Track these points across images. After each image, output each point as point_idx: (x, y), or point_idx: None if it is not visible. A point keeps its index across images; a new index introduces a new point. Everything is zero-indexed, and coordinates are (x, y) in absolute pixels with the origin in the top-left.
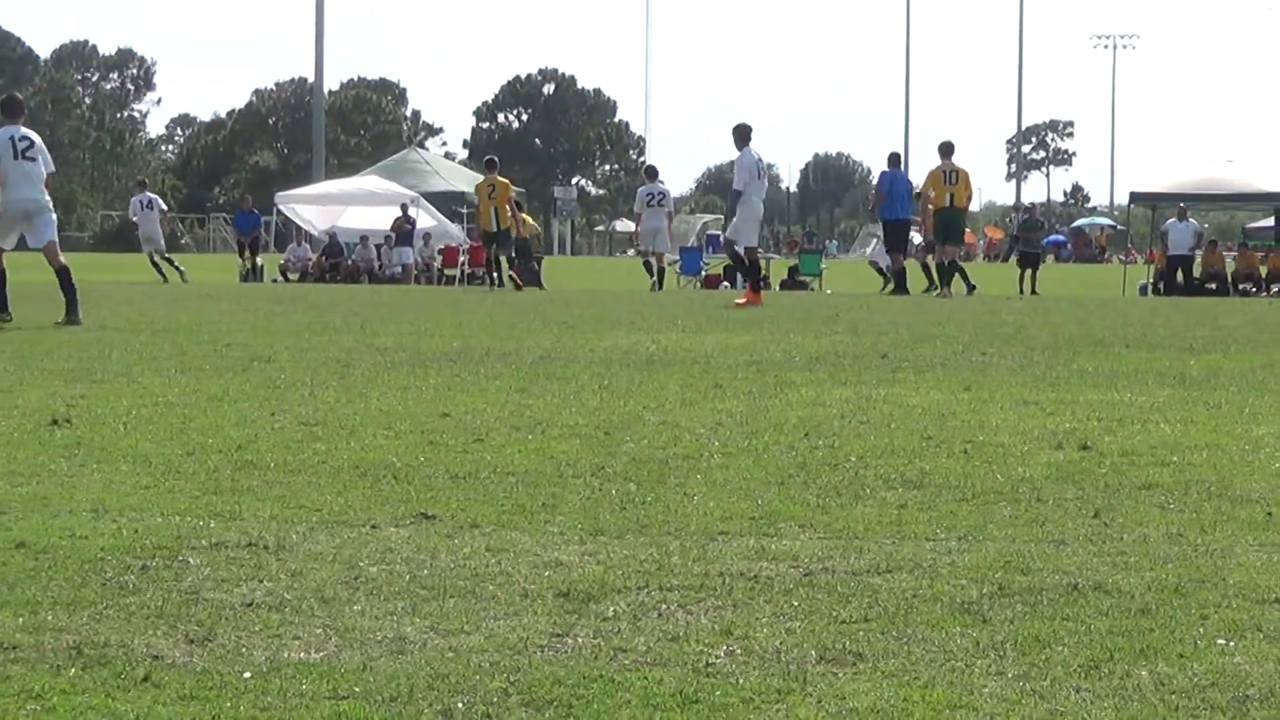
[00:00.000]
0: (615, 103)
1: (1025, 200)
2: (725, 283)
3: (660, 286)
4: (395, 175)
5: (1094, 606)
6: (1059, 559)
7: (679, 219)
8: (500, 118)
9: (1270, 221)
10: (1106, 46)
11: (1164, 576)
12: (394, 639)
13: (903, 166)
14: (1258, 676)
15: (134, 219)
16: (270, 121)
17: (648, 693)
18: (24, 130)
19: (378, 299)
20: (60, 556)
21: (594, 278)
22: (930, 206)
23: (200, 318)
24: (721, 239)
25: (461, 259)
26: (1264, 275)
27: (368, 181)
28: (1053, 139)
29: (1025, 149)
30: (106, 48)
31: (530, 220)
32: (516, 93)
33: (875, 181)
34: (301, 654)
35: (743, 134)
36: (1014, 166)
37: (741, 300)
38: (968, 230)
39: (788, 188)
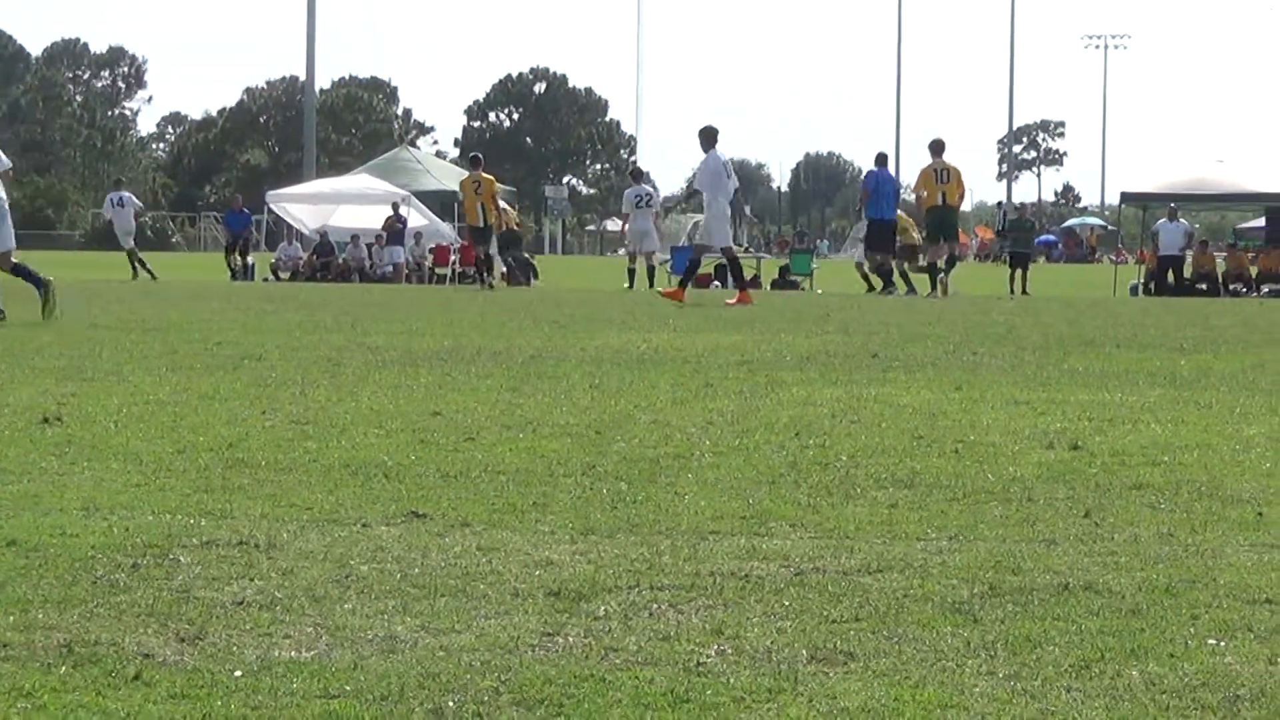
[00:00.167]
0: (606, 102)
1: (1016, 200)
2: (716, 282)
3: (652, 285)
4: (386, 174)
5: (1085, 606)
6: (1050, 559)
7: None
8: (491, 116)
9: (1261, 222)
10: (1098, 46)
11: (1155, 576)
12: (385, 638)
13: (893, 166)
14: (1248, 676)
15: (107, 216)
16: (261, 120)
17: (639, 692)
18: None
19: (369, 298)
20: (51, 554)
21: (585, 277)
22: (923, 206)
23: (191, 316)
24: (692, 244)
25: (453, 258)
26: (1254, 275)
27: (359, 180)
28: (1044, 139)
29: (1016, 149)
30: (98, 46)
31: (512, 212)
32: (508, 91)
33: (862, 181)
34: (292, 652)
35: (709, 136)
36: (1005, 166)
37: (733, 301)
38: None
39: (779, 187)
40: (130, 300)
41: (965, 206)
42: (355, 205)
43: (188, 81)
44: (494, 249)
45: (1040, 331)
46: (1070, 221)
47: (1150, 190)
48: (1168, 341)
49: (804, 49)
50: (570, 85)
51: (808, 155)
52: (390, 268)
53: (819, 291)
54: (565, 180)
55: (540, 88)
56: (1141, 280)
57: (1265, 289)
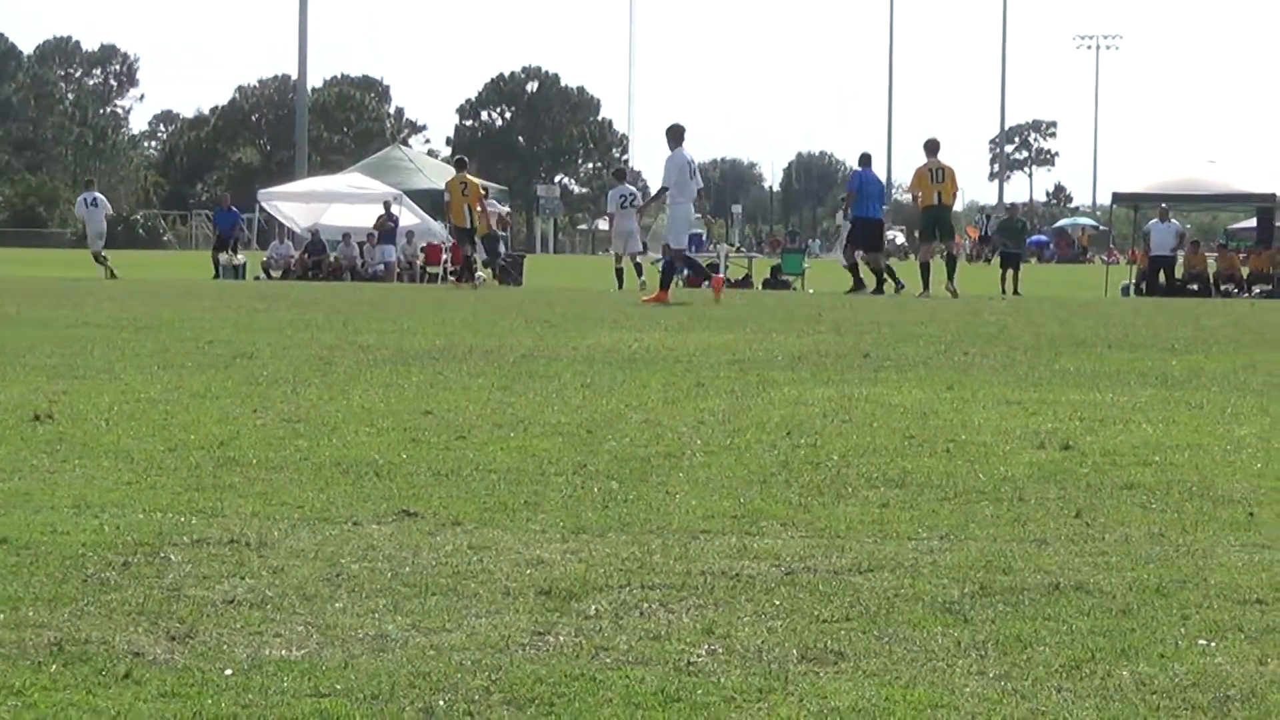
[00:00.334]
0: (598, 101)
1: (1008, 200)
2: (705, 281)
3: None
4: (378, 173)
5: (1075, 606)
6: (1041, 559)
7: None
8: (483, 115)
9: (1252, 222)
10: (1090, 47)
11: (1146, 576)
12: (375, 636)
13: (888, 165)
14: (1239, 677)
15: (80, 215)
16: (253, 118)
17: (629, 691)
18: None
19: (360, 296)
20: (42, 553)
21: (577, 276)
22: (918, 205)
23: (182, 314)
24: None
25: (444, 257)
26: (1245, 276)
27: (351, 179)
28: (1035, 139)
29: (1008, 149)
30: (90, 44)
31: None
32: (500, 91)
33: (847, 181)
34: (283, 651)
35: (675, 134)
36: (997, 166)
37: (650, 297)
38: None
39: (770, 187)
40: (121, 298)
41: (956, 206)
42: (347, 204)
43: (180, 80)
44: (478, 250)
45: (1032, 331)
46: (1062, 222)
47: (1142, 190)
48: (1159, 342)
49: (796, 48)
50: (562, 84)
51: (799, 155)
52: (382, 266)
53: (811, 291)
54: (557, 179)
55: (532, 87)
56: (1133, 280)
57: (1256, 289)
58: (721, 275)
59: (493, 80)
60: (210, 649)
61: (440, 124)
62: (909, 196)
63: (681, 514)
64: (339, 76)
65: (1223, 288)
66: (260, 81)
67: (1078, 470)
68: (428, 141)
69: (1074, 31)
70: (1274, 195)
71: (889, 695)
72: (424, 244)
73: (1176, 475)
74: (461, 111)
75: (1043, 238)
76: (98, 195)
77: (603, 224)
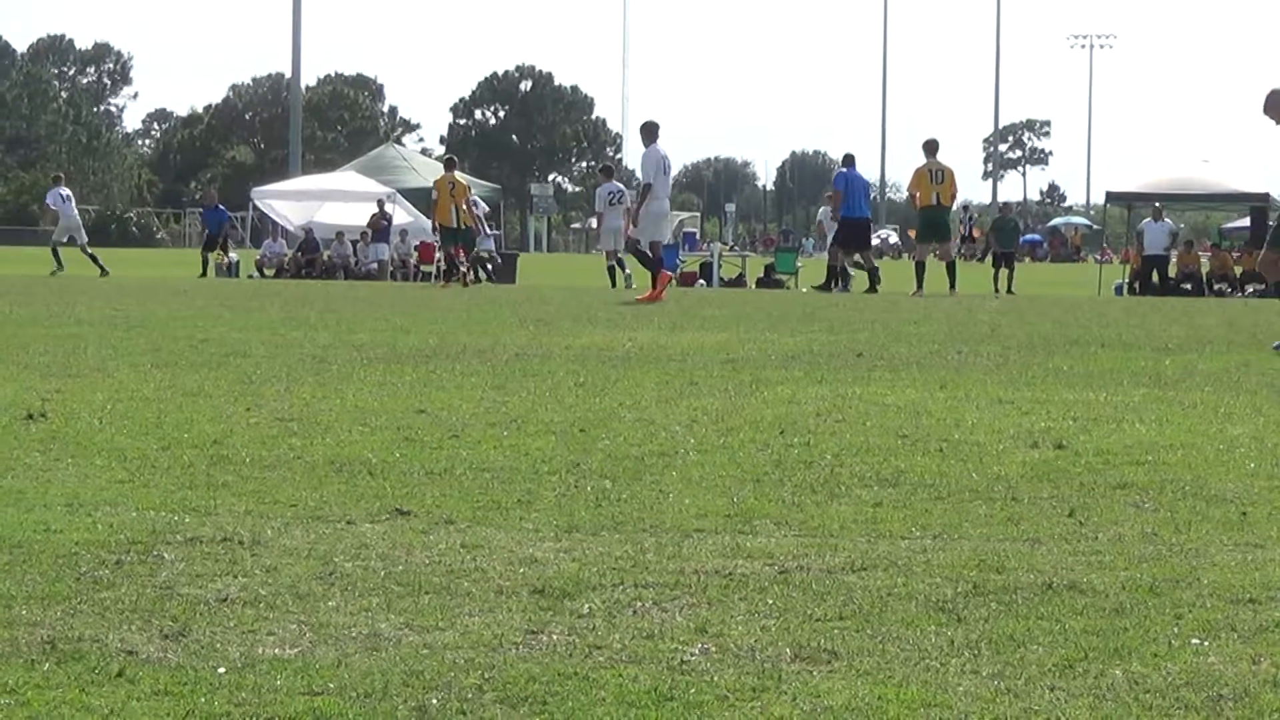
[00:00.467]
0: (592, 100)
1: (1001, 199)
2: (701, 280)
3: (629, 284)
4: (372, 171)
5: (1069, 606)
6: (1034, 558)
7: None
8: (477, 114)
9: (1245, 222)
10: (1083, 46)
11: (1139, 576)
12: (369, 635)
13: (882, 165)
14: (1231, 676)
15: (52, 207)
16: (247, 117)
17: (622, 690)
18: None
19: (354, 295)
20: (35, 551)
21: (570, 275)
22: (916, 205)
23: (176, 312)
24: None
25: (438, 255)
26: (1238, 275)
27: (344, 178)
28: (1029, 138)
29: (1002, 148)
30: (83, 42)
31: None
32: (493, 89)
33: (832, 182)
34: (276, 650)
35: (649, 131)
36: (990, 165)
37: (643, 296)
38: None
39: (764, 185)
40: (114, 296)
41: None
42: (340, 202)
43: (173, 78)
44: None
45: (1025, 331)
46: (1055, 221)
47: (1135, 190)
48: (1152, 341)
49: (790, 47)
50: (556, 83)
51: (793, 153)
52: (375, 265)
53: (804, 290)
54: (551, 178)
55: (526, 85)
56: (1126, 280)
57: (1249, 289)
58: (670, 274)
59: (486, 79)
60: (203, 647)
61: (434, 123)
62: (904, 195)
63: (675, 513)
64: (333, 75)
65: (1216, 287)
66: (254, 80)
67: (1071, 470)
68: (421, 140)
69: (1068, 31)
70: (1267, 195)
71: (882, 694)
72: (417, 242)
73: (1170, 475)
74: (455, 110)
75: (1036, 237)
76: (69, 191)
77: (595, 222)
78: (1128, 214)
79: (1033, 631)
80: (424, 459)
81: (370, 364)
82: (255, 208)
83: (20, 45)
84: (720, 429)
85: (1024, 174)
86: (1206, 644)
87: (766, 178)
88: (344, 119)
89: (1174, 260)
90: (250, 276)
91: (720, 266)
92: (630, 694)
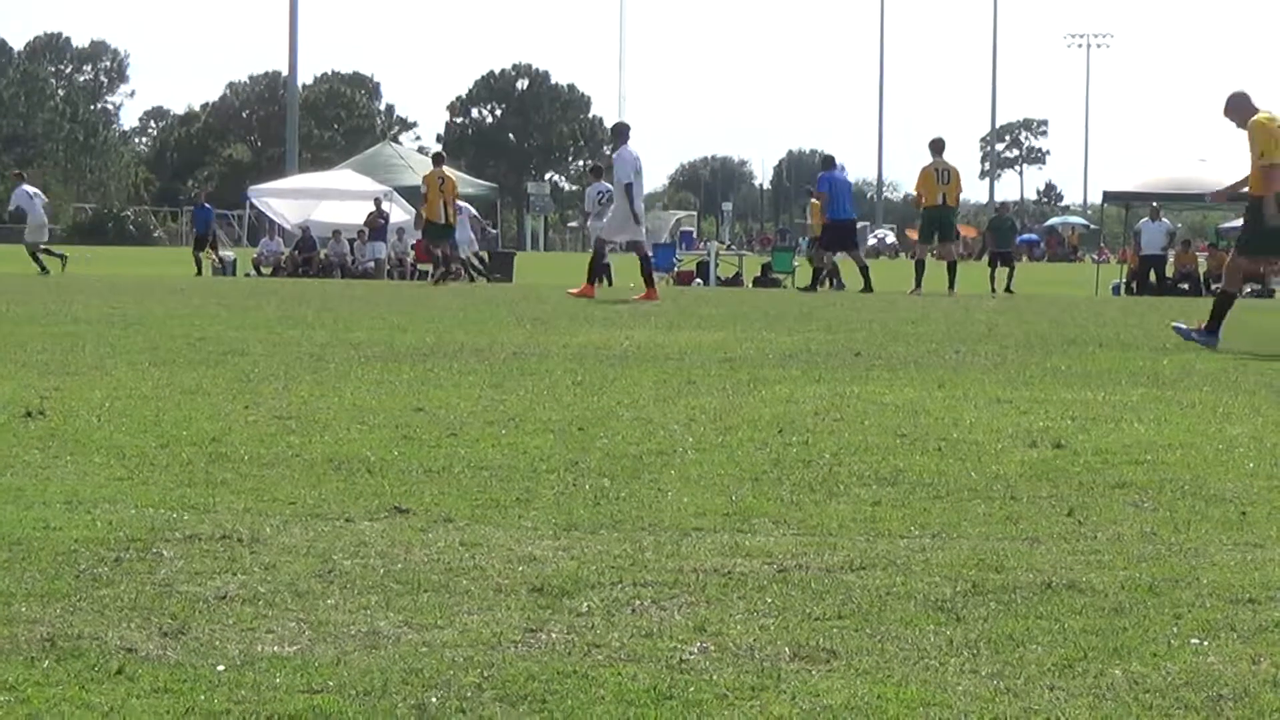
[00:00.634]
0: (589, 99)
1: (998, 199)
2: (698, 280)
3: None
4: (369, 170)
5: (1068, 605)
6: (1033, 557)
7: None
8: (474, 113)
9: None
10: (1080, 45)
11: (1138, 575)
12: (368, 633)
13: (879, 164)
14: (1231, 676)
15: (13, 208)
16: (244, 115)
17: (621, 688)
18: None
19: (350, 293)
20: (34, 548)
21: (567, 274)
22: (924, 205)
23: (173, 311)
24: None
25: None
26: None
27: (341, 176)
28: (1026, 137)
29: (999, 147)
30: (80, 40)
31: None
32: (490, 88)
33: (816, 186)
34: (275, 647)
35: (620, 132)
36: (988, 165)
37: (575, 290)
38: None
39: (761, 185)
40: (111, 295)
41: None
42: (338, 201)
43: (170, 76)
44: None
45: (1022, 330)
46: (1052, 220)
47: (1132, 189)
48: (1150, 341)
49: (787, 46)
50: (553, 82)
51: (790, 152)
52: (372, 263)
53: (801, 289)
54: (547, 177)
55: (523, 84)
56: (1124, 280)
57: (1247, 289)
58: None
59: (483, 78)
60: (203, 645)
61: (431, 121)
62: (902, 194)
63: (673, 511)
64: (329, 73)
65: (1213, 287)
66: (251, 78)
67: (1070, 469)
68: (418, 139)
69: (1065, 30)
70: (1264, 195)
71: (881, 693)
72: (414, 241)
73: (1169, 474)
74: (452, 109)
75: (1032, 236)
76: (38, 189)
77: (587, 222)
78: (1125, 213)
79: (1032, 631)
80: (422, 457)
81: (368, 362)
82: (252, 206)
83: (17, 43)
84: (718, 428)
85: (1021, 173)
86: (1206, 644)
87: (763, 177)
88: (341, 117)
89: (1171, 260)
90: (247, 275)
91: (717, 265)
92: (629, 692)
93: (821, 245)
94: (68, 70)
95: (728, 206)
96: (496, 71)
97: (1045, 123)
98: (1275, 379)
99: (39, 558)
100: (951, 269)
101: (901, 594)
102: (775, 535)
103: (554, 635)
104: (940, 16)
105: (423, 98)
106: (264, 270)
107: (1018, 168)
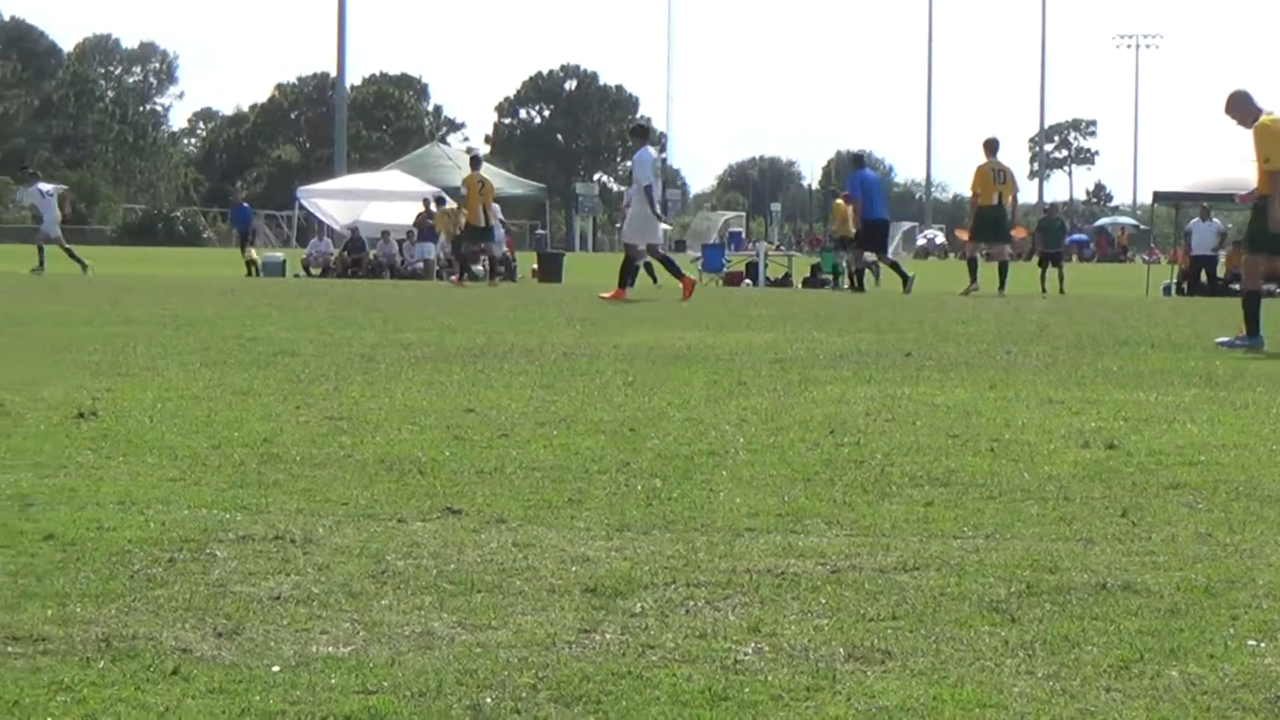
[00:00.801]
0: (637, 99)
1: (1047, 199)
2: (747, 280)
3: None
4: (418, 170)
5: (1123, 606)
6: (1087, 558)
7: (700, 216)
8: (522, 113)
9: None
10: (1129, 46)
11: (1193, 576)
12: (422, 634)
13: (928, 164)
14: None
15: (27, 204)
16: (292, 116)
17: (676, 689)
18: None
19: (400, 294)
20: (88, 549)
21: (615, 274)
22: (978, 204)
23: (223, 311)
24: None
25: (483, 257)
26: None
27: (390, 177)
28: (1075, 138)
29: (1048, 148)
30: (129, 41)
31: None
32: (538, 88)
33: (849, 187)
34: (329, 648)
35: (641, 132)
36: (1036, 165)
37: (608, 295)
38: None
39: (810, 185)
40: (163, 295)
41: None
42: (386, 202)
43: (219, 77)
44: (461, 248)
45: (1074, 331)
46: (1102, 220)
47: (1183, 189)
48: (1202, 342)
49: (835, 46)
50: (601, 82)
51: (838, 153)
52: (421, 264)
53: (849, 289)
54: (596, 177)
55: (571, 85)
56: (1174, 280)
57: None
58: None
59: (531, 78)
60: (257, 645)
61: (479, 122)
62: (948, 195)
63: (725, 512)
64: (378, 74)
65: (1265, 287)
66: (299, 79)
67: (1123, 470)
68: (466, 139)
69: (1113, 31)
70: (1270, 196)
71: (937, 694)
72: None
73: (1222, 475)
74: (500, 109)
75: (1082, 236)
76: (51, 187)
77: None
78: (1175, 214)
79: (1087, 632)
80: (474, 458)
81: (418, 363)
82: (301, 207)
83: (67, 45)
84: (770, 428)
85: (1070, 173)
86: (1263, 645)
87: (812, 177)
88: (389, 118)
89: (1222, 260)
90: (296, 275)
91: (766, 266)
92: (684, 693)
93: (859, 246)
94: (117, 72)
95: (776, 207)
96: (544, 72)
97: (1094, 123)
98: None
99: (93, 558)
100: (1003, 269)
101: (956, 595)
102: (828, 536)
103: (608, 636)
104: (988, 17)
105: (471, 98)
106: (313, 271)
107: (1067, 168)
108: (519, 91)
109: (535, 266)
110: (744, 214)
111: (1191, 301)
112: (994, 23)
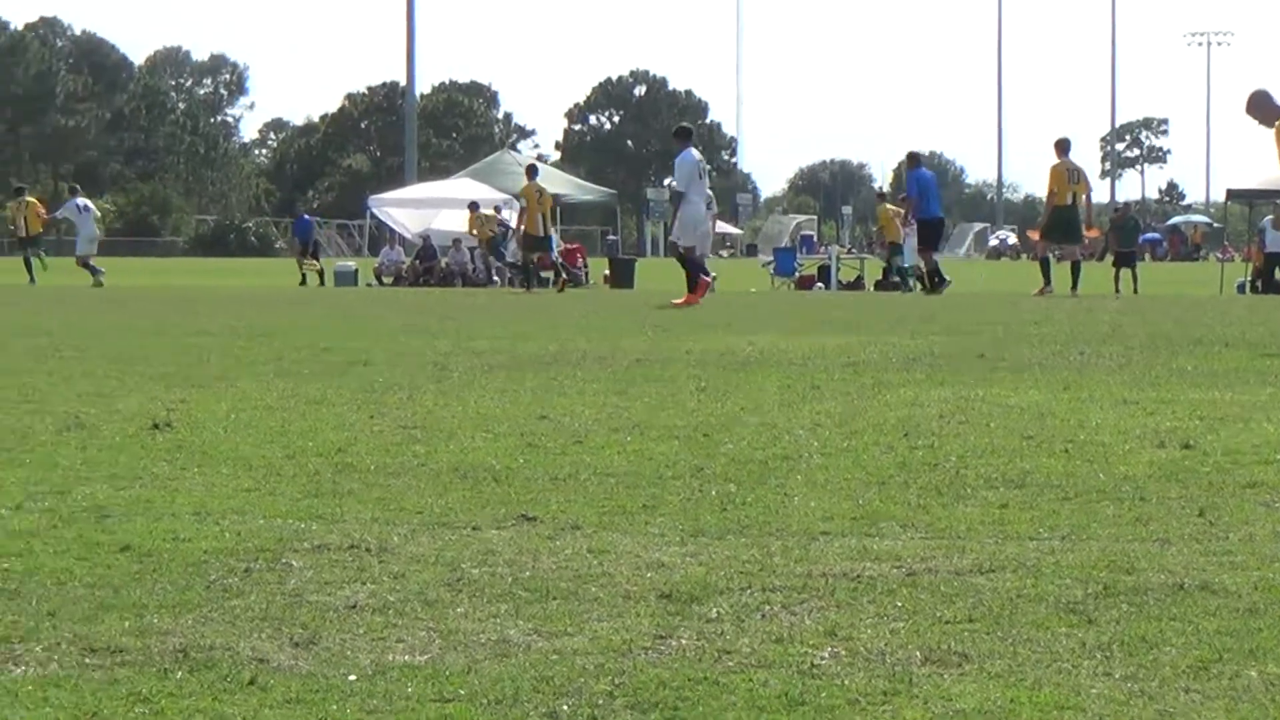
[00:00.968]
0: (706, 104)
1: (1120, 198)
2: (819, 284)
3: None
4: (488, 178)
5: (1201, 606)
6: (1164, 558)
7: (772, 219)
8: (592, 119)
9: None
10: (1201, 44)
11: (1272, 576)
12: (498, 641)
13: (1000, 165)
14: None
15: (65, 218)
16: (362, 125)
17: (753, 694)
18: None
19: (472, 302)
20: (164, 559)
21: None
22: (1054, 204)
23: (295, 322)
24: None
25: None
26: None
27: (460, 185)
28: (1147, 137)
29: (1119, 147)
30: (200, 53)
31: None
32: (608, 94)
33: (906, 187)
34: (406, 656)
35: (683, 134)
36: (1109, 164)
37: (680, 300)
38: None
39: (880, 187)
40: (235, 306)
41: None
42: (457, 209)
43: (289, 88)
44: (515, 257)
45: (1147, 330)
46: (1175, 219)
47: (1256, 186)
48: (1278, 340)
49: (904, 47)
50: (670, 88)
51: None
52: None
53: (920, 290)
54: (666, 182)
55: (640, 90)
56: (1248, 278)
57: None
58: (709, 280)
59: (600, 84)
60: (334, 655)
61: (549, 128)
62: (1020, 195)
63: (800, 516)
64: (447, 83)
65: None
66: (369, 88)
67: (1199, 469)
68: (536, 146)
69: (1184, 28)
70: None
71: (1014, 697)
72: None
73: None
74: (570, 116)
75: (1155, 235)
76: (89, 203)
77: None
78: (1249, 211)
79: (1165, 633)
80: (548, 465)
81: (491, 371)
82: (373, 216)
83: (138, 58)
84: (843, 432)
85: (1142, 172)
86: None
87: (882, 179)
88: (459, 126)
89: None
90: (368, 285)
91: (838, 269)
92: (760, 698)
93: (922, 245)
94: (188, 84)
95: (847, 210)
96: (614, 78)
97: (1166, 121)
98: None
99: (169, 569)
100: (1075, 269)
101: (1032, 597)
102: (903, 539)
103: (684, 641)
104: (1058, 16)
105: (541, 105)
106: (385, 280)
107: (1139, 167)
108: (589, 98)
109: (607, 272)
110: (815, 217)
111: (1266, 299)
112: (1064, 22)
